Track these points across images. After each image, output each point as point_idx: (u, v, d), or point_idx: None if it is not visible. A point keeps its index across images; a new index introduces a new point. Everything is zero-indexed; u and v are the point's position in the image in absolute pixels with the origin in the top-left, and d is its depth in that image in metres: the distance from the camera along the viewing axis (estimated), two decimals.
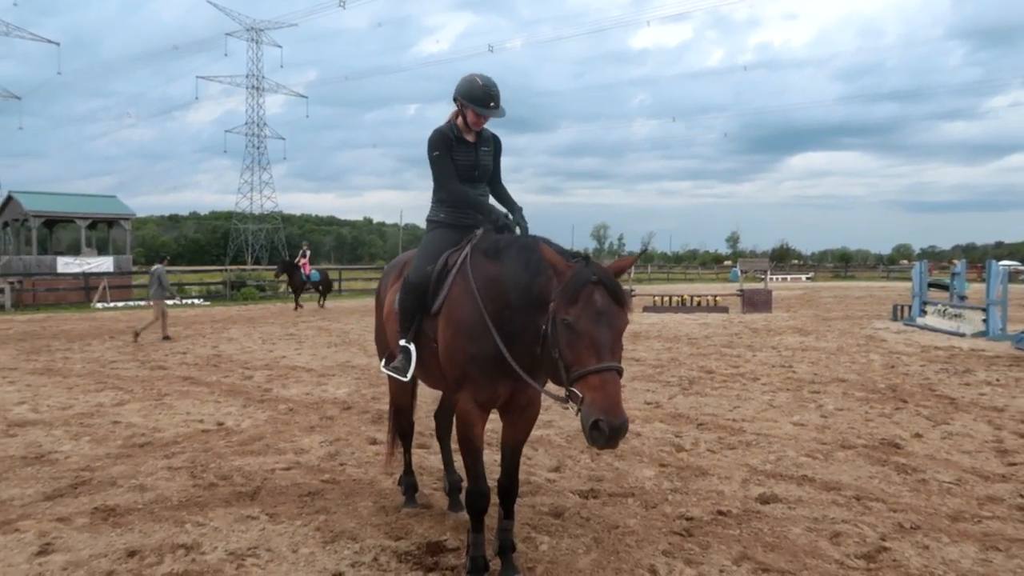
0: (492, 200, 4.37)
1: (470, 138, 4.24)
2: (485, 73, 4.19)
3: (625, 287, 3.17)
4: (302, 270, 24.12)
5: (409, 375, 4.08)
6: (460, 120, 4.20)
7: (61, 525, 4.48)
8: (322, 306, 24.95)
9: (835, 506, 4.86)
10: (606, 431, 2.84)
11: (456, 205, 4.24)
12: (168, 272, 16.36)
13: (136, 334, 14.84)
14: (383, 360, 4.54)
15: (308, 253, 25.22)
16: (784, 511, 4.77)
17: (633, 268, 29.68)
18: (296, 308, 23.62)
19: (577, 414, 3.00)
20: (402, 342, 4.09)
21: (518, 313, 3.43)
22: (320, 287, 25.35)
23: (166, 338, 15.09)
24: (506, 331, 3.48)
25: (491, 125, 4.34)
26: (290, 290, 24.61)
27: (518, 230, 4.05)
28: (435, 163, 4.20)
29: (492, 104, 4.10)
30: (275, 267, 30.55)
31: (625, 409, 2.93)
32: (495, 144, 4.38)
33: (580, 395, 2.97)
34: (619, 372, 3.01)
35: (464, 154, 4.22)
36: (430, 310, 3.93)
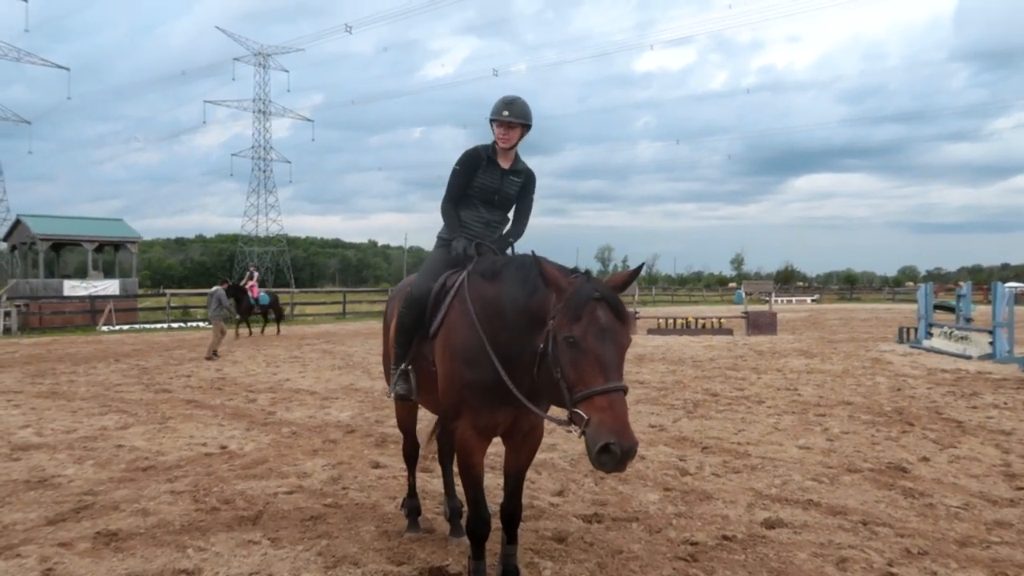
0: (484, 227, 4.31)
1: (504, 164, 4.25)
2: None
3: (629, 309, 3.04)
4: (250, 293, 22.45)
5: (414, 395, 4.09)
6: (496, 143, 4.24)
7: (63, 550, 4.46)
8: (277, 333, 23.25)
9: (841, 531, 4.81)
10: (618, 454, 2.74)
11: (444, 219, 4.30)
12: (175, 295, 17.34)
13: (209, 356, 15.65)
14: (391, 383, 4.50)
15: (256, 275, 23.62)
16: (790, 536, 4.73)
17: (637, 290, 29.73)
18: (247, 334, 22.05)
19: (580, 437, 2.88)
20: (402, 366, 4.09)
21: (517, 335, 3.35)
22: (271, 312, 23.55)
23: (212, 357, 15.69)
24: (505, 355, 3.41)
25: (525, 151, 4.38)
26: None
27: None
28: (450, 176, 4.28)
29: (505, 112, 4.12)
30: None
31: (638, 440, 2.84)
32: (527, 178, 4.36)
33: (585, 417, 2.86)
34: (625, 391, 2.93)
35: (490, 177, 4.24)
36: (428, 332, 3.92)
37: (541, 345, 3.14)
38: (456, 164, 4.26)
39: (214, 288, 18.19)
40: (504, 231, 4.39)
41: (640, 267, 3.47)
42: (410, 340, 4.12)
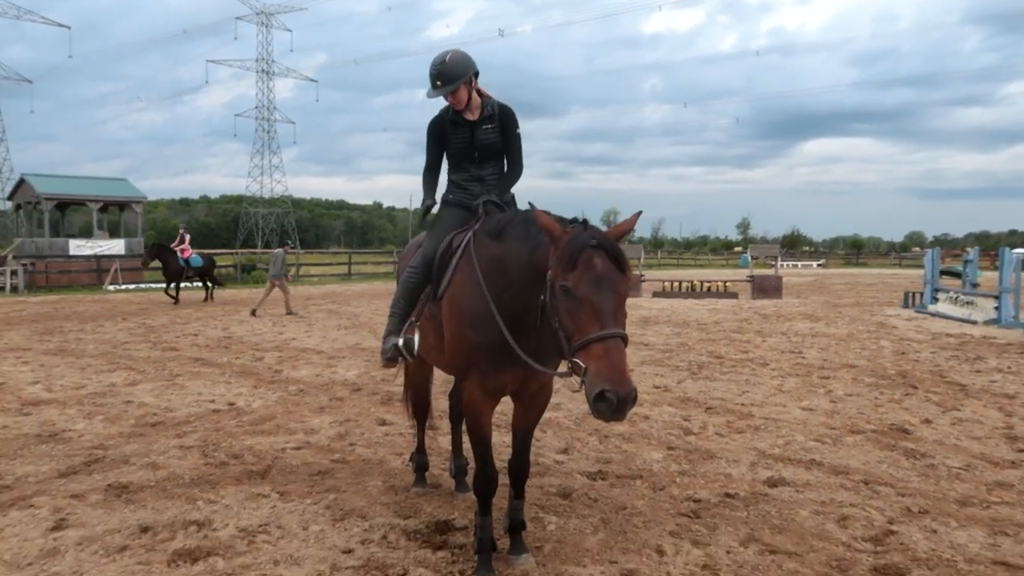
0: (480, 185, 4.20)
1: (470, 116, 4.11)
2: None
3: (634, 272, 2.99)
4: (179, 255, 20.17)
5: (414, 352, 4.06)
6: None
7: (75, 501, 4.54)
8: (210, 299, 20.89)
9: (843, 490, 4.86)
10: (613, 401, 2.69)
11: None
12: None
13: (253, 311, 16.45)
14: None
15: (188, 236, 21.04)
16: (792, 494, 4.78)
17: (643, 253, 29.63)
18: (175, 302, 19.69)
19: (581, 387, 2.85)
20: (408, 322, 4.07)
21: (522, 292, 3.32)
22: (204, 276, 21.14)
23: (290, 313, 16.55)
24: (512, 313, 3.39)
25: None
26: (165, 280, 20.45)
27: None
28: (425, 146, 4.24)
29: (439, 82, 3.95)
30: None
31: (636, 387, 2.78)
32: (502, 119, 4.14)
33: (583, 366, 2.82)
34: (624, 339, 2.84)
35: (461, 136, 4.13)
36: (436, 294, 3.92)
37: (543, 297, 3.12)
38: (426, 135, 4.20)
39: (277, 250, 18.95)
40: (495, 188, 4.23)
41: (638, 214, 3.37)
42: (414, 302, 4.10)
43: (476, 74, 4.04)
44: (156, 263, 20.51)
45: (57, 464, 5.32)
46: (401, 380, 5.48)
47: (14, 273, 25.03)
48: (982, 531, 4.18)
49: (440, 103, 4.15)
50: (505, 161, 4.28)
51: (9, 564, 3.66)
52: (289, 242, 21.96)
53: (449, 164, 4.29)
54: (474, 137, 4.13)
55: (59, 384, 8.34)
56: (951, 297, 16.77)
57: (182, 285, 20.72)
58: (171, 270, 20.07)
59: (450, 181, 4.30)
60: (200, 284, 21.84)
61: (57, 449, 5.71)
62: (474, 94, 4.08)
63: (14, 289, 24.57)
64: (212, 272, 21.57)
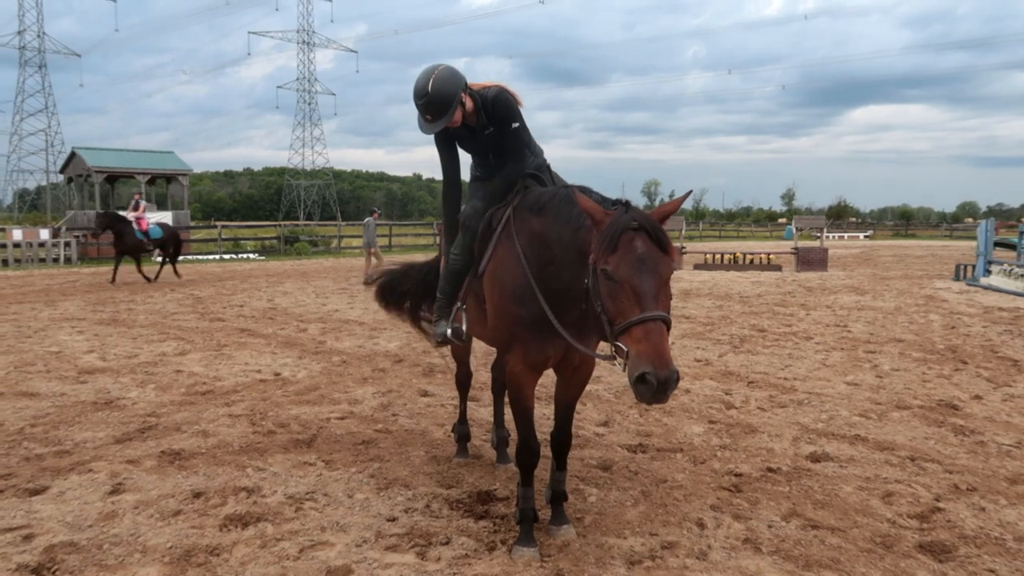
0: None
1: (472, 122, 3.97)
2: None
3: (676, 244, 2.98)
4: (136, 225, 17.16)
5: (462, 338, 4.11)
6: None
7: (131, 467, 4.71)
8: (175, 273, 18.22)
9: (888, 466, 4.80)
10: (653, 383, 2.68)
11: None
12: (225, 227, 18.45)
13: (366, 281, 16.83)
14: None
15: (143, 204, 18.28)
16: (835, 470, 4.73)
17: (684, 225, 29.30)
18: (145, 279, 17.26)
19: (624, 370, 2.85)
20: (456, 305, 4.09)
21: (564, 269, 3.32)
22: (165, 248, 18.02)
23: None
24: (553, 289, 3.40)
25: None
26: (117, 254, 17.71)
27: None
28: (440, 162, 4.14)
29: (428, 116, 3.77)
30: (328, 222, 27.84)
31: (677, 370, 2.75)
32: (495, 120, 3.92)
33: (625, 349, 2.82)
34: (666, 322, 2.81)
35: (471, 143, 4.06)
36: (477, 271, 3.93)
37: (587, 280, 3.12)
38: (436, 147, 4.09)
39: (367, 219, 19.45)
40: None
41: (688, 194, 3.33)
42: (460, 284, 4.08)
43: (465, 86, 3.84)
44: (109, 234, 17.72)
45: (113, 431, 5.51)
46: (445, 352, 5.52)
47: (67, 245, 25.79)
48: None
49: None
50: (511, 159, 4.04)
51: (71, 526, 3.83)
52: (376, 210, 21.56)
53: (473, 179, 4.24)
54: (479, 140, 4.05)
55: (112, 353, 8.61)
56: (1005, 269, 16.26)
57: (224, 257, 21.04)
58: (126, 243, 17.07)
59: (477, 189, 4.20)
60: (160, 259, 18.65)
61: (112, 416, 5.92)
62: (468, 104, 3.88)
63: (67, 260, 25.34)
64: (177, 245, 18.56)
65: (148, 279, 17.46)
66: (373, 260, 18.40)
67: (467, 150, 4.15)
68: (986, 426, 5.69)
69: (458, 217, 4.09)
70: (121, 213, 18.29)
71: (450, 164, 4.11)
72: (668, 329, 2.83)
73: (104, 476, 4.53)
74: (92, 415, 5.95)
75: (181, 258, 19.85)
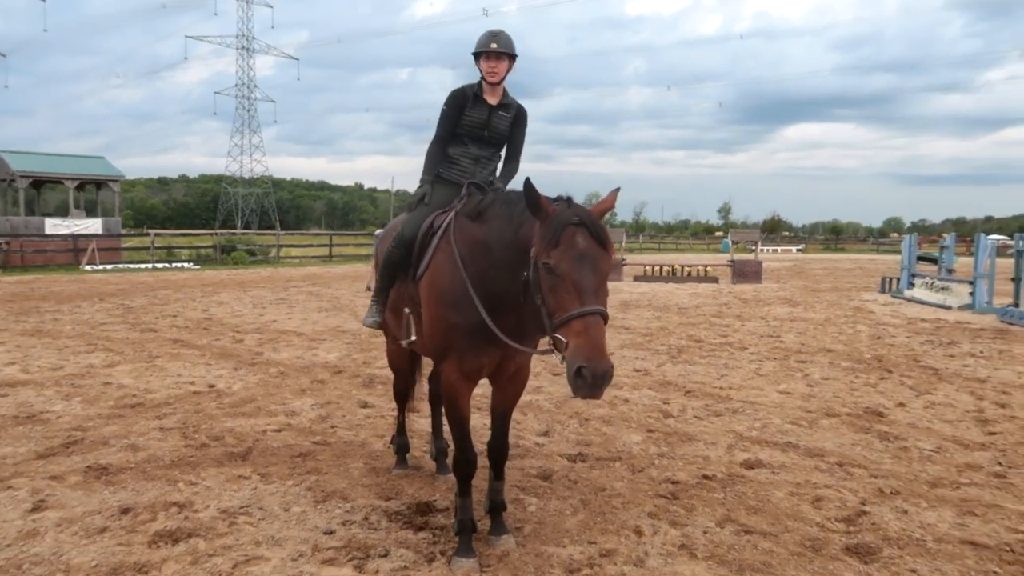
0: (474, 164, 4.29)
1: (492, 100, 4.22)
2: (476, 35, 4.21)
3: (616, 256, 3.05)
4: None
5: (405, 339, 4.11)
6: (483, 80, 4.20)
7: (54, 483, 4.52)
8: None
9: (818, 471, 4.95)
10: (588, 378, 2.74)
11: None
12: (158, 235, 17.10)
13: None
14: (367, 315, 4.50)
15: None
16: (768, 476, 4.86)
17: (624, 238, 29.73)
18: None
19: (562, 363, 2.89)
20: (405, 310, 4.10)
21: (504, 273, 3.34)
22: None
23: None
24: (492, 294, 3.42)
25: (516, 93, 4.31)
26: None
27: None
28: (439, 118, 4.28)
29: (493, 45, 4.09)
30: (267, 231, 26.85)
31: (613, 364, 2.82)
32: (518, 112, 4.31)
33: (564, 341, 2.86)
34: (604, 317, 2.89)
35: (478, 113, 4.22)
36: (415, 275, 3.93)
37: (526, 273, 3.14)
38: (444, 105, 4.26)
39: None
40: (495, 169, 4.36)
41: (617, 190, 3.41)
42: (394, 275, 4.17)
43: (515, 60, 4.19)
44: None
45: (35, 445, 5.28)
46: (382, 363, 5.48)
47: None
48: (951, 511, 4.28)
49: (462, 78, 4.23)
50: (505, 153, 4.38)
51: None
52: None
53: (452, 140, 4.33)
54: (490, 118, 4.23)
55: (36, 365, 8.26)
56: (927, 282, 17.01)
57: (157, 266, 20.42)
58: None
59: (446, 156, 4.34)
60: None
61: (35, 430, 5.67)
62: (510, 71, 4.21)
63: None
64: None
65: None
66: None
67: (470, 119, 4.23)
68: (909, 432, 5.92)
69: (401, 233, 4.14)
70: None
71: (448, 123, 4.25)
72: (605, 323, 2.91)
73: (25, 493, 4.34)
74: (12, 429, 5.69)
75: (111, 266, 18.87)
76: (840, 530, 4.02)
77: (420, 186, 4.31)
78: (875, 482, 4.75)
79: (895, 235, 76.43)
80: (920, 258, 19.64)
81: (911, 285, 17.67)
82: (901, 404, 6.87)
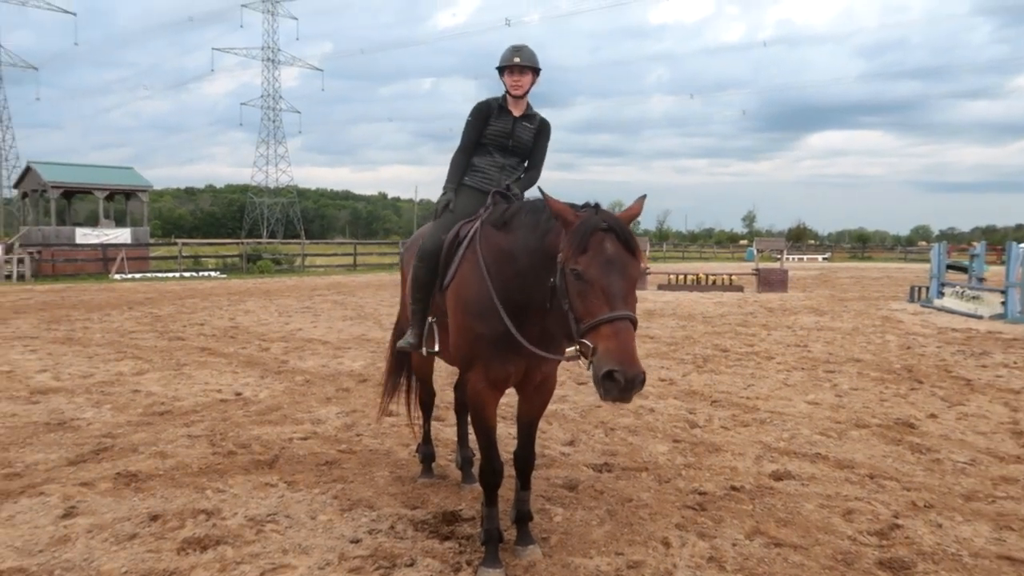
0: (499, 172, 4.34)
1: (516, 112, 4.30)
2: (498, 46, 4.31)
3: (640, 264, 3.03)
4: None
5: (428, 349, 4.12)
6: (507, 93, 4.29)
7: (85, 489, 4.58)
8: None
9: (848, 484, 4.87)
10: (620, 381, 2.72)
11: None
12: (186, 244, 17.39)
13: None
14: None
15: None
16: (797, 488, 4.79)
17: (648, 246, 29.64)
18: None
19: (589, 368, 2.87)
20: (429, 320, 4.10)
21: (530, 281, 3.34)
22: None
23: None
24: (518, 303, 3.42)
25: (534, 102, 4.39)
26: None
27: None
28: (463, 129, 4.36)
29: (516, 59, 4.18)
30: (292, 240, 26.94)
31: (644, 369, 2.79)
32: (541, 124, 4.40)
33: (592, 346, 2.84)
34: (633, 322, 2.88)
35: (502, 123, 4.30)
36: (442, 285, 3.94)
37: (552, 280, 3.14)
38: (469, 116, 4.34)
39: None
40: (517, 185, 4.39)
41: (643, 197, 3.41)
42: (428, 294, 4.12)
43: (539, 74, 4.30)
44: None
45: (66, 452, 5.35)
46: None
47: (20, 261, 25.13)
48: (987, 526, 4.19)
49: (484, 88, 4.28)
50: (528, 163, 4.47)
51: (20, 551, 3.70)
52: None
53: (477, 149, 4.40)
54: (514, 128, 4.31)
55: (67, 372, 8.38)
56: (957, 292, 16.73)
57: (185, 275, 20.66)
58: None
59: (471, 165, 4.40)
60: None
61: (66, 437, 5.75)
62: (533, 84, 4.31)
63: (21, 277, 24.67)
64: None
65: None
66: None
67: (495, 129, 4.31)
68: (942, 444, 5.81)
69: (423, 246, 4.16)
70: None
71: (472, 133, 4.34)
72: (635, 329, 2.89)
73: (56, 499, 4.40)
74: (44, 436, 5.78)
75: (139, 275, 19.13)
76: (872, 544, 3.95)
77: (444, 193, 4.35)
78: (908, 495, 4.66)
79: (923, 243, 75.43)
80: (950, 267, 19.33)
81: (941, 294, 17.39)
82: (933, 415, 6.75)
